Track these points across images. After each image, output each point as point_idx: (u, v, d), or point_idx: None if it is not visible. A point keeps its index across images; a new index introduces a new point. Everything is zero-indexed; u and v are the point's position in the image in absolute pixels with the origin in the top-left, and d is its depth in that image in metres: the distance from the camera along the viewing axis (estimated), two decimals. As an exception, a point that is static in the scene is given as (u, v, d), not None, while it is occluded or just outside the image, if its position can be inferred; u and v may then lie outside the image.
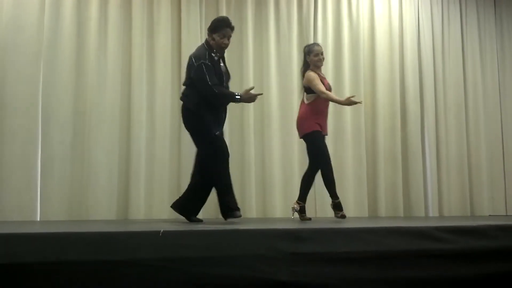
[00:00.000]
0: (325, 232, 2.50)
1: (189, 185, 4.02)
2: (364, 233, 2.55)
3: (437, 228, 2.69)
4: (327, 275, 2.32)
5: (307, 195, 4.52)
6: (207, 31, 4.02)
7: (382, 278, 2.44)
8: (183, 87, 4.04)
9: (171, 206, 4.06)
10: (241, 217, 3.83)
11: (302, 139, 4.56)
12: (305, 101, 4.53)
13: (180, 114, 4.09)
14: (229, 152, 3.90)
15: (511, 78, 7.29)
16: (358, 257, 2.43)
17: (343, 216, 4.36)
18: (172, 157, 5.59)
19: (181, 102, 4.00)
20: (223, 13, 5.96)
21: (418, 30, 6.82)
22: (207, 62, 3.79)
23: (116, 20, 5.56)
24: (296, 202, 4.48)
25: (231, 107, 5.89)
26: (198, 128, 3.87)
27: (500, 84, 7.24)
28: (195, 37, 5.78)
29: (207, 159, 3.86)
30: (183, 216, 3.98)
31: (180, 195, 4.14)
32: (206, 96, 3.80)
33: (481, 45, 7.21)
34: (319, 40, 6.31)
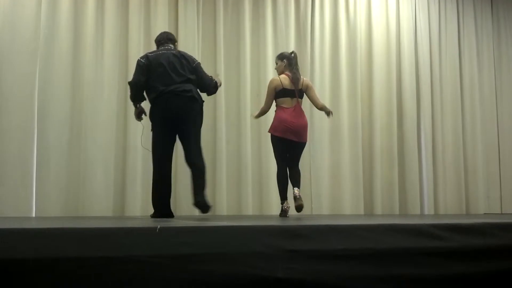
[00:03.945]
0: (321, 229, 2.50)
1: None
2: (361, 231, 2.55)
3: (434, 226, 2.68)
4: (324, 272, 2.32)
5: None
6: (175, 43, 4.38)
7: (378, 275, 2.44)
8: (180, 83, 4.03)
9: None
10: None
11: (298, 144, 4.55)
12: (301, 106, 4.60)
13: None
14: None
15: (507, 77, 7.32)
16: (355, 254, 2.42)
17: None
18: (169, 154, 5.58)
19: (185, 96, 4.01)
20: (220, 12, 5.97)
21: (415, 29, 6.83)
22: None
23: (113, 18, 5.56)
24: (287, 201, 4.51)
25: (229, 105, 5.93)
26: (202, 121, 4.15)
27: (497, 83, 7.28)
28: (192, 35, 5.78)
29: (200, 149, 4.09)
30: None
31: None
32: (209, 91, 4.29)
33: (478, 44, 7.23)
34: (316, 39, 6.33)
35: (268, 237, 2.32)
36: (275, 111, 4.61)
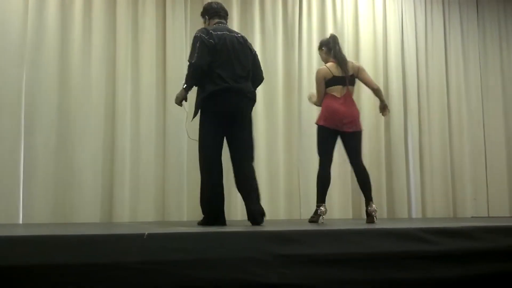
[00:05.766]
0: (312, 234, 2.50)
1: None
2: (351, 235, 2.56)
3: (422, 230, 2.70)
4: (315, 277, 2.32)
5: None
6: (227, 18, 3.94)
7: (368, 279, 2.45)
8: (243, 77, 3.65)
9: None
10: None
11: (353, 134, 4.22)
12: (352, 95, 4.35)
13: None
14: None
15: (493, 79, 7.38)
16: (345, 259, 2.43)
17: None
18: (157, 159, 5.56)
19: (245, 96, 3.67)
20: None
21: (402, 33, 6.88)
22: None
23: (100, 21, 5.52)
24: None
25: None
26: None
27: (483, 85, 7.33)
28: (180, 37, 5.76)
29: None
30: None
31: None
32: (257, 86, 3.82)
33: (464, 47, 7.29)
34: (304, 40, 6.34)
35: (259, 243, 2.32)
36: (324, 99, 4.29)
